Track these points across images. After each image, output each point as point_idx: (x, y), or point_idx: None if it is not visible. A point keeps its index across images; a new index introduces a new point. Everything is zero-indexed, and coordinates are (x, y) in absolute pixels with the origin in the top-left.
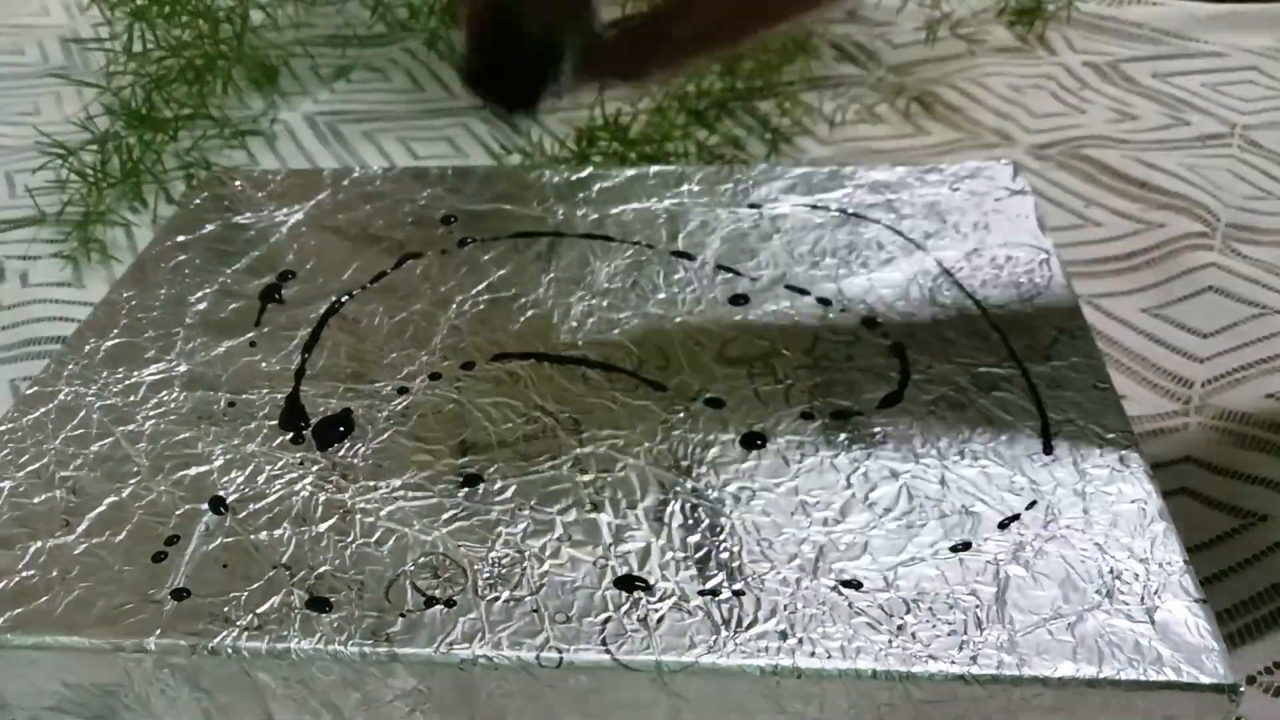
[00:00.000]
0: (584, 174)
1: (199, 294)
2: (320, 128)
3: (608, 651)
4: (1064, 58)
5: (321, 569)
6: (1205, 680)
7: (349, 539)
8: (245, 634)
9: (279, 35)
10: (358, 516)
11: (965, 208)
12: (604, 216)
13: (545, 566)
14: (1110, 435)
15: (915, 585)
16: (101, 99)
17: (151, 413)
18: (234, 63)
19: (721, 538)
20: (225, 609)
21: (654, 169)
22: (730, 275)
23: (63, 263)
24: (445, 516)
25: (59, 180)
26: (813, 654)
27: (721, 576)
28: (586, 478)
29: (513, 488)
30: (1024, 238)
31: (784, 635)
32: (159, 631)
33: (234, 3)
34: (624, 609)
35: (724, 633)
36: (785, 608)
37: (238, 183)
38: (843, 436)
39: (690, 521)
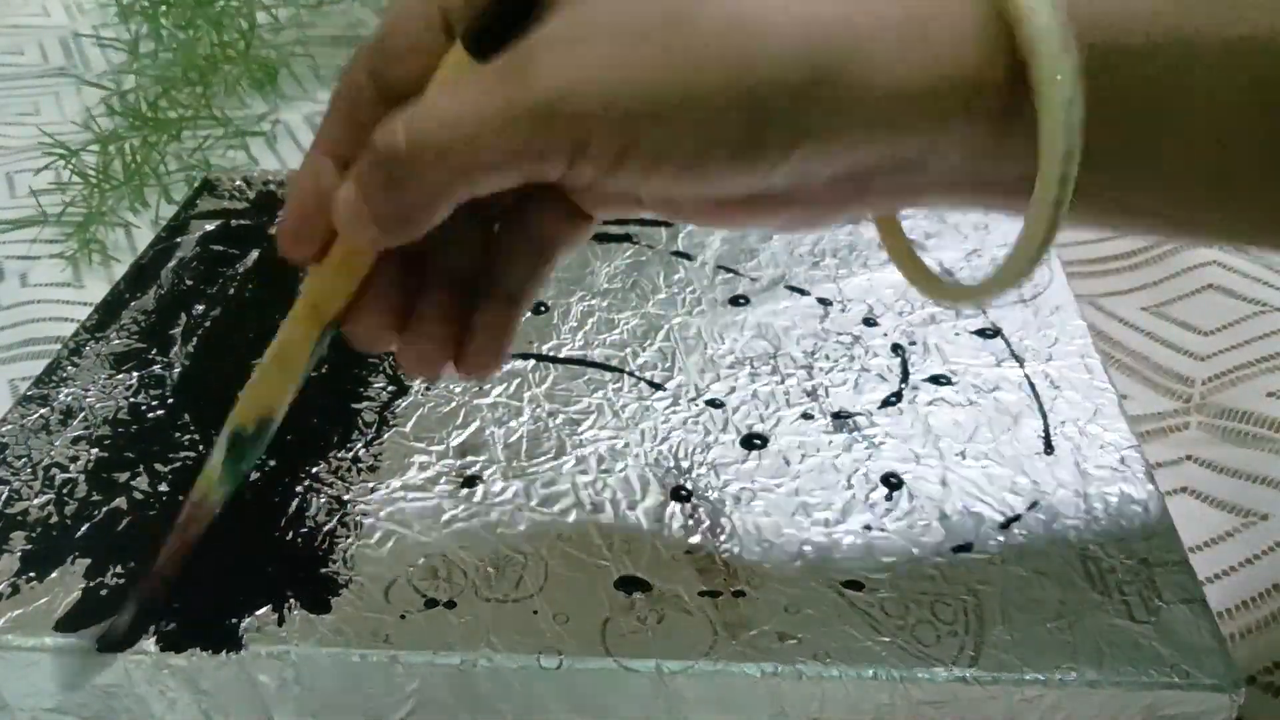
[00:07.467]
0: None
1: (199, 294)
2: None
3: (608, 652)
4: None
5: (322, 570)
6: (1205, 680)
7: (349, 539)
8: (245, 635)
9: (281, 36)
10: (358, 517)
11: None
12: None
13: (545, 566)
14: (1111, 435)
15: (916, 586)
16: (106, 99)
17: (151, 413)
18: (239, 64)
19: (722, 538)
20: (225, 610)
21: None
22: (730, 275)
23: (63, 263)
24: (445, 517)
25: (60, 182)
26: (813, 655)
27: (721, 576)
28: (586, 478)
29: (513, 488)
30: None
31: (784, 636)
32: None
33: (240, 4)
34: (624, 609)
35: (724, 634)
36: (785, 609)
37: (238, 183)
38: (843, 436)
39: (690, 521)
